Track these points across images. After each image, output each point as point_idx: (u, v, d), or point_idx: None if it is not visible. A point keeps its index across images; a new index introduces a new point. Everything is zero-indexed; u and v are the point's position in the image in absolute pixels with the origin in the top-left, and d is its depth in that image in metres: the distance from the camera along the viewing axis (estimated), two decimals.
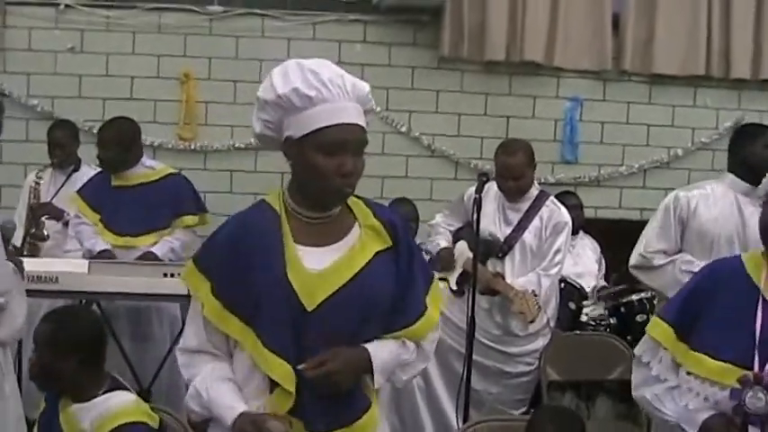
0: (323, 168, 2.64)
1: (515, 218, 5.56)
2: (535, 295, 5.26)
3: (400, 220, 2.90)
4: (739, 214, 4.81)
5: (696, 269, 4.19)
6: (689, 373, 2.95)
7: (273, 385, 2.69)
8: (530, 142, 5.72)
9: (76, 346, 3.49)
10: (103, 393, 3.47)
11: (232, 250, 2.73)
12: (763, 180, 3.09)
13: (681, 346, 2.99)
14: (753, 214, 4.47)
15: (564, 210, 5.62)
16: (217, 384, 2.73)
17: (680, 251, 4.92)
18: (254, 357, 2.70)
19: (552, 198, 5.66)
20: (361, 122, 2.69)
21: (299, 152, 2.67)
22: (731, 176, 4.90)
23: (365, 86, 2.72)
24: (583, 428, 3.61)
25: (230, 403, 2.70)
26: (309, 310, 2.67)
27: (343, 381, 2.69)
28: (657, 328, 3.06)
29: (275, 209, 2.78)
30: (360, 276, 2.73)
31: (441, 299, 2.98)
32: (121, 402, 3.44)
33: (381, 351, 2.77)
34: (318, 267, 2.71)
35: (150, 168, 5.95)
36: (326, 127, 2.62)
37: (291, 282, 2.67)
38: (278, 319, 2.67)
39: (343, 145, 2.65)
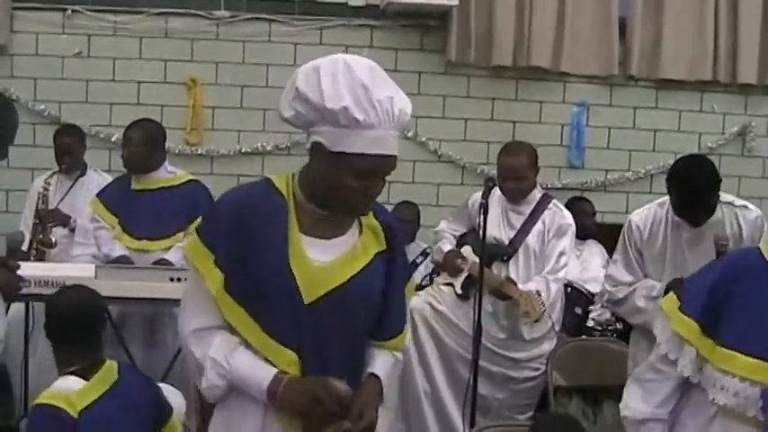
0: (349, 189, 2.63)
1: (518, 221, 5.57)
2: (539, 295, 5.26)
3: (397, 224, 2.92)
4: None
5: (656, 293, 4.25)
6: (717, 370, 2.92)
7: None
8: (535, 147, 5.73)
9: (48, 318, 3.69)
10: (69, 374, 3.55)
11: (236, 226, 2.69)
12: None
13: (707, 342, 2.94)
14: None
15: (567, 212, 5.63)
16: (237, 352, 2.69)
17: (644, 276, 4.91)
18: (252, 342, 2.68)
19: (555, 201, 5.67)
20: (397, 151, 2.66)
21: (329, 163, 2.62)
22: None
23: (409, 111, 2.66)
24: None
25: (259, 368, 2.67)
26: (307, 302, 2.67)
27: (376, 417, 2.73)
28: (681, 324, 2.98)
29: (283, 194, 2.74)
30: (359, 276, 2.73)
31: (412, 291, 3.02)
32: (55, 386, 3.52)
33: (385, 375, 2.81)
34: (321, 259, 2.70)
35: (172, 174, 5.99)
36: (365, 154, 2.59)
37: (294, 272, 2.66)
38: (278, 307, 2.66)
39: (375, 173, 2.64)
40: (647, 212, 4.86)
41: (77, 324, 3.66)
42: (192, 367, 2.80)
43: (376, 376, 2.79)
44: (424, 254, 6.61)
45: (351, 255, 2.74)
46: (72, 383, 3.50)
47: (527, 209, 5.58)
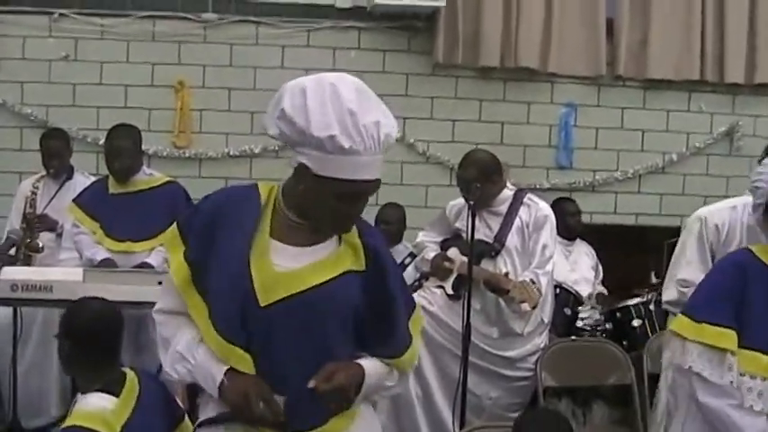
0: (332, 210, 2.65)
1: (496, 222, 5.56)
2: (533, 283, 5.25)
3: (385, 244, 2.89)
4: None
5: None
6: (742, 374, 2.94)
7: None
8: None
9: (69, 332, 3.53)
10: (95, 391, 3.44)
11: (208, 224, 2.74)
12: None
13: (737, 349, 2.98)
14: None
15: (543, 204, 5.64)
16: (201, 347, 2.73)
17: None
18: (205, 338, 2.72)
19: (529, 195, 5.67)
20: (380, 174, 2.66)
21: (313, 185, 2.62)
22: None
23: (394, 133, 2.67)
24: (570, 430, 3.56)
25: (215, 363, 2.69)
26: (262, 305, 2.67)
27: (353, 395, 2.71)
28: (722, 337, 2.97)
29: (261, 199, 2.76)
30: (326, 287, 2.71)
31: (419, 327, 2.97)
32: (87, 405, 3.37)
33: (373, 372, 2.78)
34: (286, 266, 2.70)
35: (150, 176, 6.02)
36: (350, 180, 2.59)
37: (253, 274, 2.67)
38: (232, 306, 2.67)
39: (359, 197, 2.66)
40: (723, 214, 4.60)
41: (104, 339, 3.57)
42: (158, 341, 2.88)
43: (359, 364, 2.77)
44: (412, 255, 6.61)
45: (320, 264, 2.73)
46: (103, 402, 3.37)
47: (502, 209, 5.58)
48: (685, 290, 4.58)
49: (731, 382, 2.98)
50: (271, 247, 2.72)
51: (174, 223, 2.85)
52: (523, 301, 5.20)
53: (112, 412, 3.33)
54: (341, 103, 2.55)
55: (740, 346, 2.94)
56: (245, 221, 2.72)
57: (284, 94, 2.63)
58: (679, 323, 3.12)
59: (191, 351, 2.73)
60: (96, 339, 3.54)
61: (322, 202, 2.63)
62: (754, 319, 2.95)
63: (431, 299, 5.67)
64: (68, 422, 3.32)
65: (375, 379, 2.80)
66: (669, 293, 4.66)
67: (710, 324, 3.00)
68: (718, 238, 4.55)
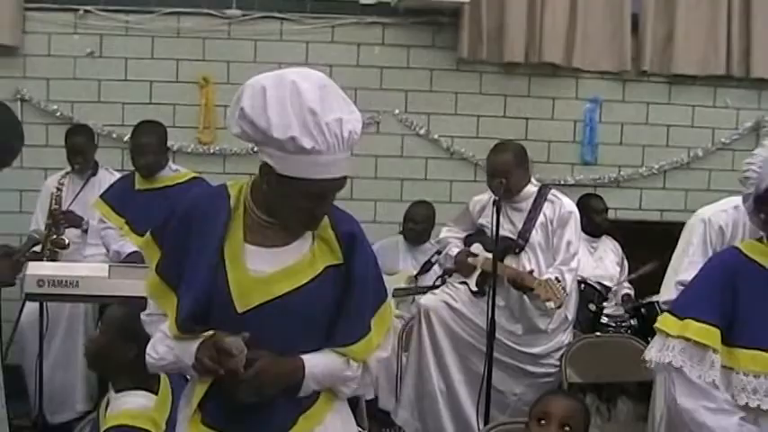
0: (298, 209, 2.63)
1: (519, 219, 5.54)
2: (558, 281, 5.23)
3: (360, 231, 2.82)
4: None
5: None
6: (743, 374, 2.92)
7: None
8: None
9: (141, 337, 3.51)
10: (134, 389, 3.45)
11: (180, 229, 2.72)
12: None
13: (726, 349, 2.96)
14: None
15: (567, 200, 5.59)
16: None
17: None
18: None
19: (553, 191, 5.63)
20: (346, 171, 2.61)
21: (277, 184, 2.59)
22: None
23: (359, 129, 2.60)
24: (587, 416, 3.49)
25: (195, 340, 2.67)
26: (240, 311, 2.65)
27: (269, 388, 2.65)
28: (705, 333, 2.96)
29: (231, 200, 2.73)
30: (303, 290, 2.69)
31: (388, 323, 2.88)
32: (131, 403, 3.38)
33: (317, 362, 2.73)
34: (263, 269, 2.68)
35: (176, 171, 6.05)
36: (314, 179, 2.55)
37: (229, 281, 2.65)
38: (211, 314, 2.65)
39: (323, 195, 2.62)
40: (728, 215, 4.49)
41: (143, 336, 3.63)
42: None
43: (298, 358, 2.72)
44: (439, 253, 6.61)
45: (296, 267, 2.70)
46: (144, 400, 3.39)
47: (526, 205, 5.55)
48: None
49: (713, 381, 2.95)
50: (244, 250, 2.69)
51: (149, 230, 2.83)
52: (548, 300, 5.19)
53: (155, 409, 3.35)
54: (301, 101, 2.50)
55: (738, 345, 2.92)
56: (216, 226, 2.68)
57: (244, 93, 2.60)
58: (664, 320, 3.10)
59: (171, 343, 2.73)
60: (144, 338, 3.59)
61: (287, 201, 2.61)
62: (749, 317, 2.93)
63: (455, 295, 5.66)
64: (115, 421, 3.32)
65: (324, 367, 2.73)
66: (668, 294, 4.54)
67: (695, 320, 2.99)
68: (722, 240, 4.46)
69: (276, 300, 2.66)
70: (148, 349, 2.80)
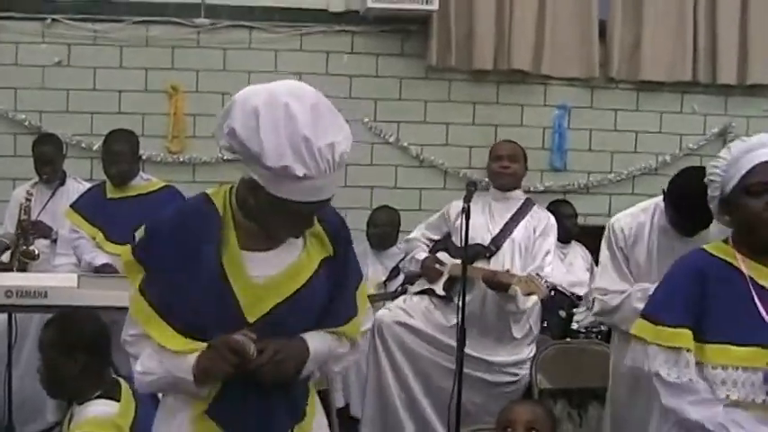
0: (284, 223, 2.63)
1: (504, 218, 5.58)
2: (539, 276, 5.24)
3: (341, 218, 2.88)
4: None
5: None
6: (715, 367, 3.03)
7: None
8: None
9: (80, 347, 3.51)
10: (95, 398, 3.44)
11: (168, 242, 2.67)
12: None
13: (697, 346, 3.06)
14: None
15: (549, 215, 5.73)
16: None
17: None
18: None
19: (537, 205, 5.77)
20: (335, 190, 2.62)
21: (265, 200, 2.56)
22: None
23: (349, 147, 2.56)
24: (553, 420, 3.54)
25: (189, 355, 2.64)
26: (251, 321, 2.65)
27: (289, 365, 2.66)
28: (678, 337, 3.07)
29: (219, 210, 2.70)
30: (305, 288, 2.71)
31: (366, 297, 2.95)
32: (95, 412, 3.38)
33: (315, 340, 2.75)
34: (263, 274, 2.67)
35: (148, 180, 6.05)
36: (303, 202, 2.55)
37: (235, 292, 2.64)
38: (220, 328, 2.62)
39: (311, 213, 2.64)
40: (631, 218, 4.67)
41: (105, 345, 3.61)
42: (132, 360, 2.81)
43: (300, 338, 2.74)
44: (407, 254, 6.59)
45: (295, 268, 2.71)
46: (107, 408, 3.40)
47: (513, 206, 5.64)
48: (604, 297, 4.63)
49: (690, 379, 3.04)
50: (243, 258, 2.67)
51: (130, 251, 2.77)
52: (531, 293, 5.20)
53: (119, 415, 3.37)
54: (295, 127, 2.45)
55: (708, 341, 3.03)
56: (210, 234, 2.65)
57: (234, 110, 2.52)
58: (640, 327, 3.20)
59: (163, 350, 2.68)
60: (102, 347, 3.59)
61: (275, 216, 2.60)
62: (719, 313, 3.03)
63: (410, 311, 5.65)
64: (79, 431, 3.33)
65: (321, 346, 2.77)
66: (593, 305, 4.77)
67: (666, 326, 3.09)
68: (625, 243, 4.59)
69: (286, 300, 2.68)
70: (136, 366, 2.77)
